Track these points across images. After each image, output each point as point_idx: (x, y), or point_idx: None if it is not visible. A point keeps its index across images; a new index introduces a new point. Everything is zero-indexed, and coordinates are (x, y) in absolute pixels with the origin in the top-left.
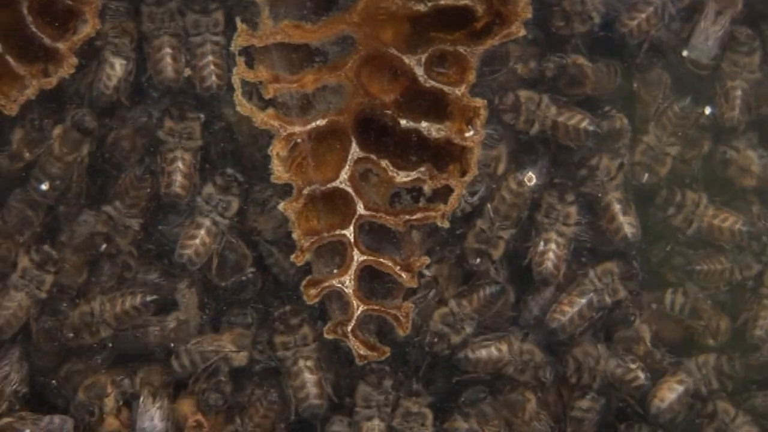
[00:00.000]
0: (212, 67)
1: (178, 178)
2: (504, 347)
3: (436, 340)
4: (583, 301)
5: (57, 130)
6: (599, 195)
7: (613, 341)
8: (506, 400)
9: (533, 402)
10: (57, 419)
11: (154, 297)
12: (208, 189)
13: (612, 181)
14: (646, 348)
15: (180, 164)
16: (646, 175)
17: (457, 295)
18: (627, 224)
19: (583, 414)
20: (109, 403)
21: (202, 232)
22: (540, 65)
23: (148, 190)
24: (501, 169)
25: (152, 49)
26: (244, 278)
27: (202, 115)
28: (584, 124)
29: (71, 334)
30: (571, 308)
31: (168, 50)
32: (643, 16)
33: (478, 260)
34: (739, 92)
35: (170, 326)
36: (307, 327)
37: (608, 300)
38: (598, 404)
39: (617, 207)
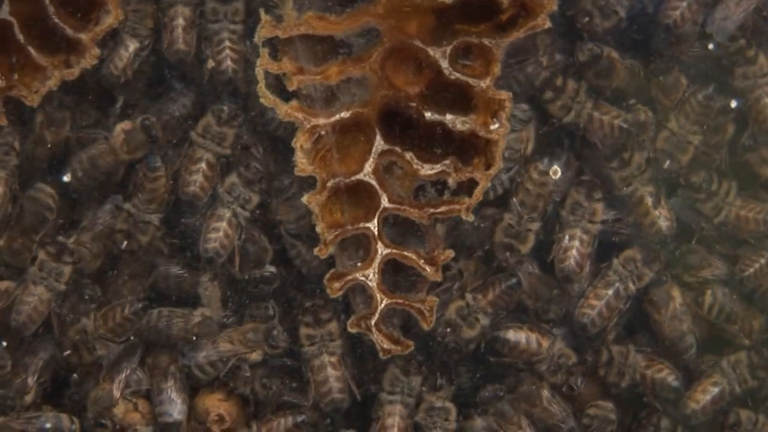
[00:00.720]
0: (228, 51)
1: (200, 178)
2: (545, 342)
3: (448, 330)
4: (610, 292)
5: (123, 125)
6: (627, 188)
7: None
8: (521, 393)
9: (547, 388)
10: (52, 418)
11: (143, 304)
12: (232, 179)
13: (643, 174)
14: (674, 308)
15: (204, 165)
16: (668, 161)
17: (474, 288)
18: (662, 217)
19: (590, 421)
20: (119, 410)
21: (224, 224)
22: (567, 55)
23: (164, 182)
24: (530, 148)
25: (166, 19)
26: (263, 274)
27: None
28: (618, 120)
29: (68, 351)
30: (598, 301)
31: (181, 21)
32: (684, 4)
33: (508, 254)
34: (765, 100)
35: (194, 320)
36: (335, 322)
37: (633, 288)
38: (608, 413)
39: (650, 200)
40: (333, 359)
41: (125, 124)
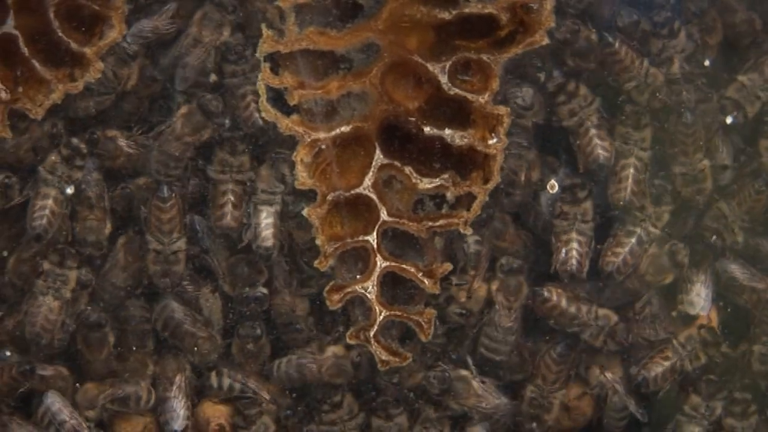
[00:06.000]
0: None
1: (230, 210)
2: (584, 308)
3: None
4: (633, 240)
5: (182, 110)
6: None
7: None
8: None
9: (477, 378)
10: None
11: (31, 367)
12: (266, 172)
13: (590, 105)
14: None
15: (231, 197)
16: (696, 195)
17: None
18: (601, 148)
19: None
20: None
21: (272, 220)
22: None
23: (178, 208)
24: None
25: None
26: (255, 294)
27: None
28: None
29: None
30: (622, 249)
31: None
32: None
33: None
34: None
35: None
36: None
37: (656, 230)
38: None
39: (593, 131)
40: None
41: (184, 108)
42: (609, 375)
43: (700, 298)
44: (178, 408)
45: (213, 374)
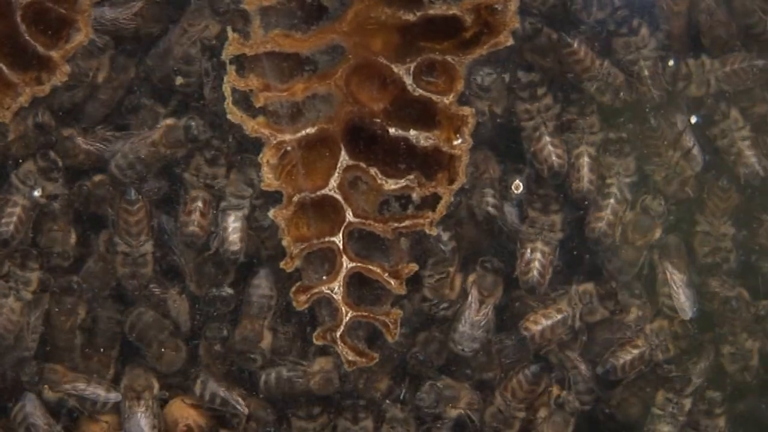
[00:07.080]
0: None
1: (197, 217)
2: (563, 305)
3: None
4: (611, 200)
5: (168, 121)
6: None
7: None
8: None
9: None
10: None
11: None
12: (234, 176)
13: (548, 111)
14: None
15: (200, 204)
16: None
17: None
18: (555, 155)
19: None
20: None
21: (239, 224)
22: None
23: (145, 212)
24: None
25: None
26: (221, 294)
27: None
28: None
29: None
30: (603, 212)
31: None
32: None
33: None
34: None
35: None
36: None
37: (628, 180)
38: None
39: (547, 138)
40: None
41: (170, 120)
42: (569, 353)
43: (687, 301)
44: (146, 426)
45: (198, 381)
